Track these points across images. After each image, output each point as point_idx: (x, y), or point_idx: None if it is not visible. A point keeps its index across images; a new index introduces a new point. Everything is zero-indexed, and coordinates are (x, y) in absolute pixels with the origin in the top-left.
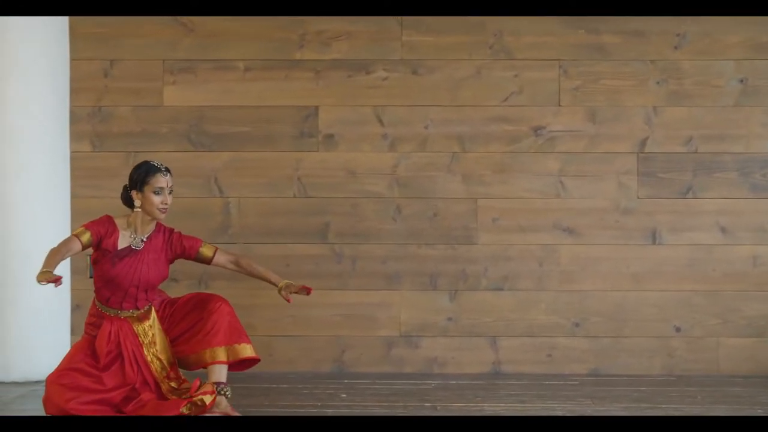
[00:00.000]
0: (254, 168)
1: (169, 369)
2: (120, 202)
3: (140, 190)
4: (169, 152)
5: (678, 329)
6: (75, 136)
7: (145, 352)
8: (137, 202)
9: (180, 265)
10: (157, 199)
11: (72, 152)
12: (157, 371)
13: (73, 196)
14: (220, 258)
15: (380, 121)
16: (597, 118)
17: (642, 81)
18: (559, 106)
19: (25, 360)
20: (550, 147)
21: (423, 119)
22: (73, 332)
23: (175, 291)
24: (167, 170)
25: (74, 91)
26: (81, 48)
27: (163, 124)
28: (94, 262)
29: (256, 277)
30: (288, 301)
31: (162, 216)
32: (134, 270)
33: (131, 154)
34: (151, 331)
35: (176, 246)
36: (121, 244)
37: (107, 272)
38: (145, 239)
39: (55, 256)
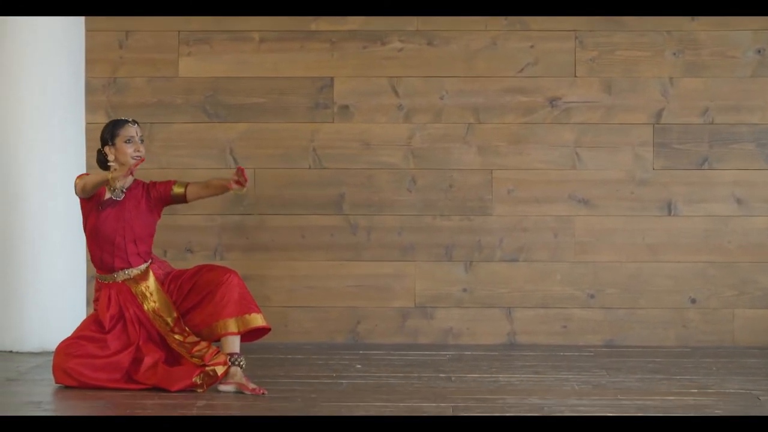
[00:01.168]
0: (269, 139)
1: (173, 325)
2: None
3: (112, 143)
4: (184, 123)
5: (693, 301)
6: (90, 107)
7: (146, 309)
8: (111, 157)
9: (195, 235)
10: (129, 149)
11: (87, 123)
12: (160, 327)
13: (89, 168)
14: (192, 191)
15: (395, 92)
16: (613, 90)
17: (658, 52)
18: (575, 77)
19: (41, 331)
20: (565, 118)
21: (438, 90)
22: (88, 303)
23: (191, 262)
24: (134, 121)
25: (89, 63)
26: (96, 19)
27: (178, 95)
28: (84, 219)
29: (221, 190)
30: (229, 188)
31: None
32: (118, 218)
33: (146, 126)
34: (148, 291)
35: (152, 191)
36: (105, 195)
37: (93, 225)
38: (124, 190)
39: (97, 175)
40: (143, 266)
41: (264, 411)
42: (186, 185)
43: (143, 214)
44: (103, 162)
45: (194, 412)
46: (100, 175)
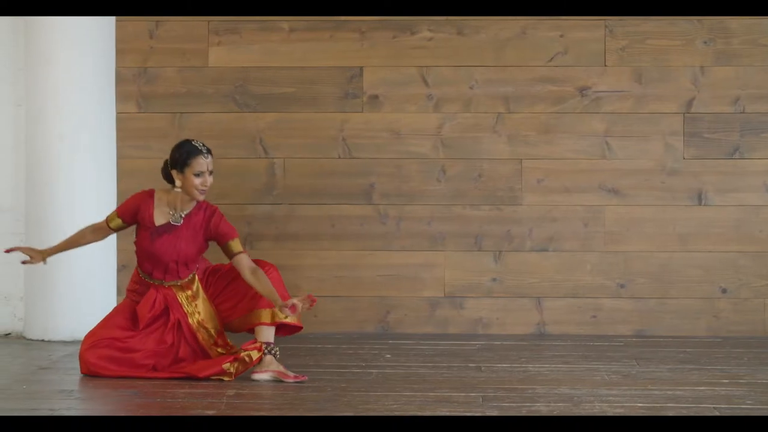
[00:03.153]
0: (299, 129)
1: (216, 337)
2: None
3: (181, 171)
4: (214, 113)
5: (724, 291)
6: (121, 97)
7: (191, 321)
8: (177, 183)
9: None
10: (197, 181)
11: (118, 113)
12: (204, 339)
13: (119, 157)
14: (242, 260)
15: (425, 82)
16: (643, 79)
17: (689, 41)
18: (605, 66)
19: (72, 319)
20: (595, 108)
21: (468, 80)
22: (119, 292)
23: (221, 252)
24: (208, 151)
25: (120, 52)
26: None
27: (208, 85)
28: (136, 235)
29: (265, 293)
30: (282, 303)
31: (201, 197)
32: (173, 247)
33: (177, 115)
34: (194, 301)
35: (213, 231)
36: (159, 220)
37: (146, 248)
38: (184, 215)
39: (64, 242)
40: (190, 276)
41: (293, 400)
42: (241, 251)
43: (199, 242)
44: (168, 178)
45: (224, 401)
46: (58, 244)
